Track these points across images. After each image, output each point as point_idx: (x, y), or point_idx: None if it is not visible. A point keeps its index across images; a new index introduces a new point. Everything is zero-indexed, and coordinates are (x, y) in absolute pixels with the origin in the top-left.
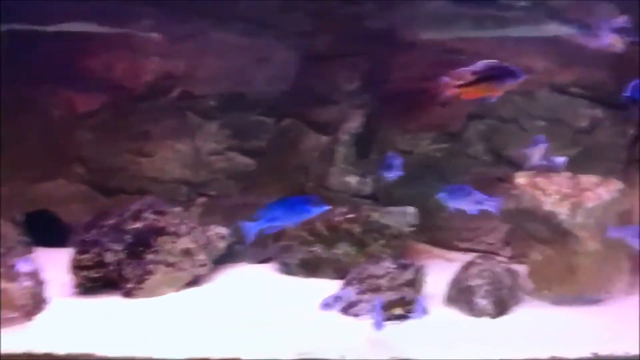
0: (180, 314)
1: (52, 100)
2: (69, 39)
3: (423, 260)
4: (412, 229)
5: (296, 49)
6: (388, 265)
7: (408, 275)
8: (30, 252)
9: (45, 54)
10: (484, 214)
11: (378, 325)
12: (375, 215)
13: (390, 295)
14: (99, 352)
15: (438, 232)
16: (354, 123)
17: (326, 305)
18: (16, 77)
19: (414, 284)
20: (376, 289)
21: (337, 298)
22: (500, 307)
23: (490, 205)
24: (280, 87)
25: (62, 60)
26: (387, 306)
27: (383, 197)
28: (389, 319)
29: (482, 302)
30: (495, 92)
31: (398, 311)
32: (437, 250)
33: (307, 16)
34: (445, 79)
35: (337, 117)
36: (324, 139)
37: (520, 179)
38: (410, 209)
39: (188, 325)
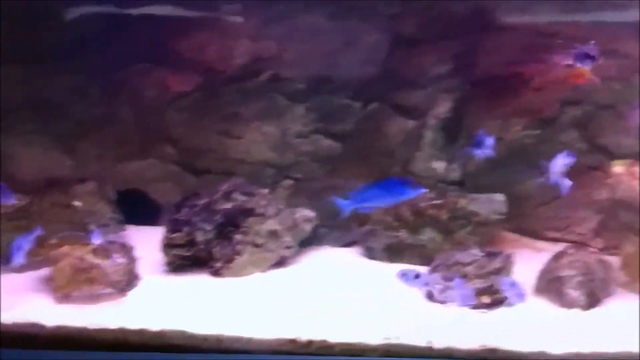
0: (266, 295)
1: (145, 81)
2: (162, 21)
3: (510, 249)
4: (500, 216)
5: (385, 32)
6: (475, 253)
7: (496, 263)
8: (122, 229)
9: (139, 36)
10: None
11: (464, 300)
12: (463, 202)
13: (478, 284)
14: (189, 329)
15: (526, 221)
16: (442, 108)
17: (403, 275)
18: (110, 59)
19: (502, 272)
20: (463, 277)
21: (417, 275)
22: (592, 299)
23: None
24: (368, 70)
25: (156, 42)
26: (475, 294)
27: (470, 183)
28: (476, 307)
29: (574, 293)
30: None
31: (486, 299)
32: (524, 240)
33: None
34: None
35: (424, 101)
36: (411, 123)
37: (617, 167)
38: (499, 196)
39: (275, 306)
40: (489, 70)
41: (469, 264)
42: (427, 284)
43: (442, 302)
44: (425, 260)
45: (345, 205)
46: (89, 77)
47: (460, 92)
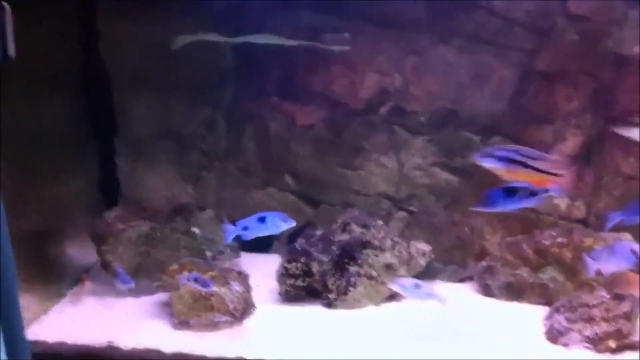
0: (379, 328)
1: (272, 114)
2: (292, 54)
3: (634, 291)
4: None
5: (516, 66)
6: (602, 294)
7: (625, 307)
8: (237, 256)
9: (268, 69)
10: None
11: None
12: (589, 241)
13: (605, 327)
14: None
15: None
16: (569, 143)
17: (401, 285)
18: (239, 91)
19: (631, 316)
20: (589, 319)
21: (416, 285)
22: None
23: None
24: (496, 105)
25: (284, 75)
26: (601, 338)
27: (596, 222)
28: (601, 351)
29: None
30: None
31: (612, 344)
32: None
33: (529, 33)
34: None
35: (551, 137)
36: None
37: None
38: (628, 236)
39: (387, 340)
40: (626, 108)
41: (595, 306)
42: (429, 295)
43: (564, 345)
44: (547, 300)
45: (230, 231)
46: (218, 109)
47: (592, 129)
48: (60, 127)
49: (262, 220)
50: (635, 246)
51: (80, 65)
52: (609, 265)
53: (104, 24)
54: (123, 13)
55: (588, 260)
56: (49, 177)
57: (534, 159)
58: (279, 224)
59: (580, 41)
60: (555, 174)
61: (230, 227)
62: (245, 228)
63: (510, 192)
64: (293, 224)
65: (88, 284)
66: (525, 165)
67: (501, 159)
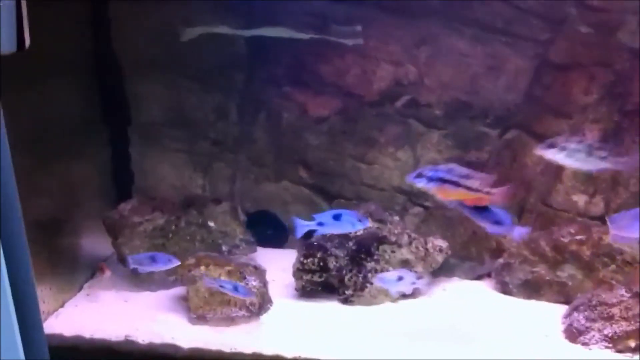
0: (396, 325)
1: (284, 104)
2: (305, 45)
3: None
4: None
5: (531, 57)
6: (622, 293)
7: None
8: (253, 251)
9: (281, 58)
10: None
11: None
12: (608, 238)
13: (624, 326)
14: (323, 356)
15: None
16: (587, 138)
17: (380, 279)
18: (252, 80)
19: None
20: (608, 318)
21: (399, 278)
22: None
23: None
24: (510, 97)
25: (297, 65)
26: (621, 337)
27: None
28: (621, 351)
29: None
30: None
31: (632, 343)
32: None
33: (544, 23)
34: None
35: (568, 131)
36: None
37: None
38: None
39: (404, 336)
40: None
41: (615, 304)
42: (414, 284)
43: (584, 345)
44: (565, 298)
45: (302, 226)
46: (229, 97)
47: (610, 123)
48: (72, 115)
49: (337, 217)
50: None
51: (92, 52)
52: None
53: (115, 11)
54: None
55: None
56: (62, 166)
57: (465, 177)
58: (355, 223)
59: (595, 32)
60: (487, 192)
61: (301, 222)
62: (320, 224)
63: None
64: (367, 224)
65: (108, 273)
66: (457, 185)
67: (432, 179)
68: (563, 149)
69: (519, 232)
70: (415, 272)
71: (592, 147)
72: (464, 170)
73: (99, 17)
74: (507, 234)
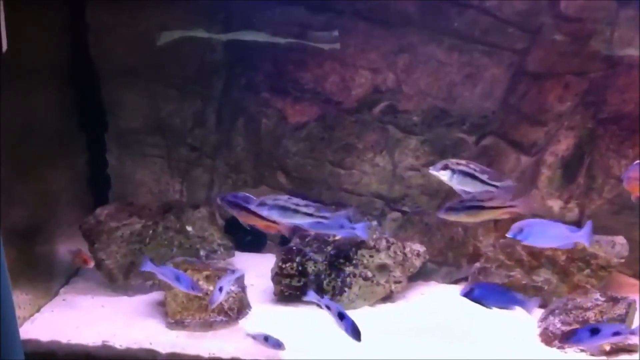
0: (374, 329)
1: (265, 110)
2: (284, 51)
3: (627, 294)
4: (621, 260)
5: (507, 66)
6: (597, 297)
7: (619, 309)
8: (232, 255)
9: (260, 65)
10: None
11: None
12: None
13: None
14: None
15: None
16: (562, 145)
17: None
18: (230, 86)
19: (625, 319)
20: (583, 322)
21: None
22: None
23: None
24: (487, 105)
25: (276, 71)
26: None
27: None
28: (595, 354)
29: None
30: None
31: (606, 346)
32: None
33: (520, 32)
34: None
35: (543, 138)
36: (527, 160)
37: None
38: (621, 239)
39: (382, 341)
40: (618, 109)
41: (589, 308)
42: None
43: (560, 348)
44: (541, 302)
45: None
46: (208, 103)
47: (583, 130)
48: (48, 122)
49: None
50: None
51: (69, 59)
52: None
53: (92, 17)
54: (112, 6)
55: None
56: (37, 172)
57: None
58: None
59: (570, 41)
60: (510, 205)
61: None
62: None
63: None
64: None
65: (92, 263)
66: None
67: (459, 210)
68: (453, 171)
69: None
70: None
71: (476, 170)
72: (486, 194)
73: (76, 24)
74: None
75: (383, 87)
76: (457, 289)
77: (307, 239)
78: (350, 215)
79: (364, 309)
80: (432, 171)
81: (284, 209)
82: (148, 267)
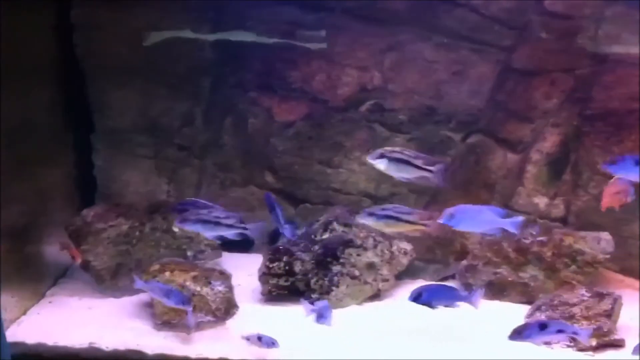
0: (363, 327)
1: (253, 109)
2: (272, 50)
3: (613, 290)
4: (607, 256)
5: (494, 63)
6: (583, 293)
7: (605, 305)
8: (218, 256)
9: (250, 61)
10: None
11: None
12: (569, 240)
13: (585, 325)
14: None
15: (631, 261)
16: (548, 142)
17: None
18: (219, 85)
19: (611, 315)
20: (569, 317)
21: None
22: None
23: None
24: (474, 102)
25: (264, 70)
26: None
27: (575, 221)
28: (582, 349)
29: None
30: None
31: (592, 342)
32: (629, 280)
33: (507, 29)
34: None
35: (530, 135)
36: (513, 157)
37: None
38: (606, 235)
39: (370, 339)
40: (604, 105)
41: (576, 304)
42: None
43: (547, 344)
44: (528, 298)
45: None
46: (195, 103)
47: (569, 127)
48: (35, 122)
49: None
50: None
51: (56, 58)
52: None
53: (78, 17)
54: (98, 6)
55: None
56: (24, 173)
57: (408, 214)
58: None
59: (557, 38)
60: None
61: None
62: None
63: None
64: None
65: (79, 259)
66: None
67: (380, 217)
68: (389, 159)
69: None
70: None
71: (411, 156)
72: (404, 208)
73: (63, 24)
74: None
75: (370, 86)
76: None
77: (294, 239)
78: (264, 226)
79: (351, 308)
80: (369, 160)
81: (206, 222)
82: (139, 284)
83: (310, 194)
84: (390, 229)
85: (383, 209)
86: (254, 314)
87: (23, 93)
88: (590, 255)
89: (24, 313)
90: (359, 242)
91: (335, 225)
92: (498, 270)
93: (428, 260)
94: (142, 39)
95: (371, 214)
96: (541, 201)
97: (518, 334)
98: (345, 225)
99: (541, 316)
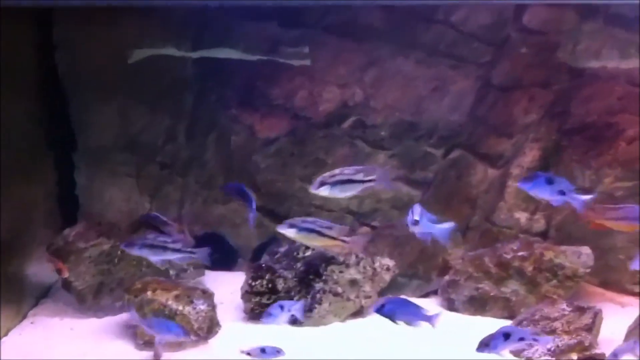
0: (346, 345)
1: (235, 126)
2: (254, 67)
3: (594, 303)
4: (587, 270)
5: (473, 79)
6: (564, 307)
7: (586, 319)
8: (202, 274)
9: (232, 81)
10: None
11: None
12: (550, 254)
13: (567, 340)
14: None
15: (611, 274)
16: (528, 157)
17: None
18: (204, 102)
19: (592, 328)
20: (551, 332)
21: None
22: None
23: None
24: (454, 118)
25: (246, 87)
26: (563, 351)
27: (555, 235)
28: None
29: None
30: None
31: (574, 356)
32: (609, 294)
33: (486, 46)
34: None
35: (510, 150)
36: (494, 172)
37: None
38: (587, 249)
39: (355, 355)
40: (581, 120)
41: (557, 318)
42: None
43: (528, 359)
44: (509, 313)
45: None
46: (178, 120)
47: (549, 141)
48: (16, 141)
49: None
50: None
51: (38, 76)
52: None
53: (60, 35)
54: (80, 24)
55: None
56: (5, 192)
57: (327, 228)
58: None
59: (535, 54)
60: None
61: None
62: None
63: None
64: None
65: (66, 273)
66: (321, 234)
67: (302, 229)
68: (330, 185)
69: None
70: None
71: (351, 174)
72: (326, 223)
73: (45, 42)
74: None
75: (351, 102)
76: (428, 302)
77: (276, 256)
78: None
79: (334, 325)
80: (313, 190)
81: (152, 247)
82: (135, 320)
83: (292, 211)
84: (310, 242)
85: (304, 221)
86: (236, 332)
87: (4, 111)
88: (571, 269)
89: (6, 334)
90: (341, 259)
91: None
92: (480, 285)
93: (410, 276)
94: (127, 56)
95: (292, 226)
96: (522, 216)
97: (485, 345)
98: None
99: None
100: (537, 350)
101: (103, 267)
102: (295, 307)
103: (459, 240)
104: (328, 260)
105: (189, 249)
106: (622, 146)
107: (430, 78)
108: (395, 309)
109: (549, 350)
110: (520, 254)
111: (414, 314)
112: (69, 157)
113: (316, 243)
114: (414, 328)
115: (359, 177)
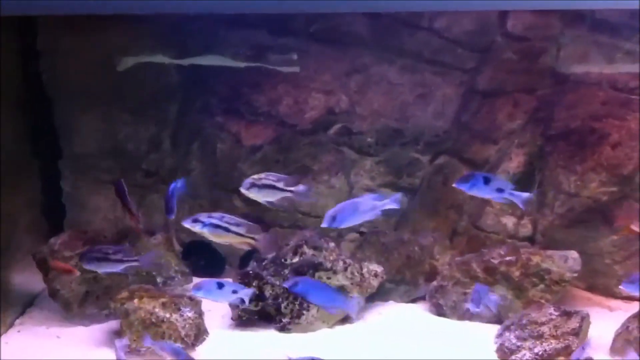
0: (333, 351)
1: (220, 134)
2: (239, 74)
3: (581, 308)
4: (574, 274)
5: (458, 85)
6: (551, 312)
7: (573, 323)
8: (190, 281)
9: (217, 88)
10: None
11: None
12: (536, 259)
13: (554, 344)
14: None
15: (598, 279)
16: (514, 162)
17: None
18: (189, 110)
19: (579, 333)
20: (538, 337)
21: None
22: None
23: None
24: (439, 124)
25: (230, 94)
26: (550, 355)
27: (540, 239)
28: None
29: None
30: None
31: None
32: (597, 298)
33: (470, 52)
34: None
35: (495, 155)
36: None
37: None
38: (574, 254)
39: None
40: (566, 125)
41: (544, 323)
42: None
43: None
44: (497, 318)
45: None
46: (162, 128)
47: (533, 147)
48: (0, 147)
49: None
50: None
51: (23, 84)
52: None
53: (44, 43)
54: (64, 31)
55: None
56: None
57: (235, 225)
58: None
59: (519, 60)
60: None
61: None
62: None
63: None
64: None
65: (77, 272)
66: (227, 230)
67: (206, 225)
68: (258, 187)
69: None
70: None
71: (274, 180)
72: (235, 219)
73: (29, 50)
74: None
75: (337, 109)
76: (415, 308)
77: (264, 263)
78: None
79: (322, 331)
80: (242, 190)
81: (97, 259)
82: (148, 342)
83: (279, 218)
84: (217, 239)
85: (209, 217)
86: (224, 339)
87: None
88: (558, 274)
89: None
90: (329, 265)
91: (305, 248)
92: (467, 290)
93: (398, 281)
94: (115, 64)
95: (196, 221)
96: (509, 221)
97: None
98: (315, 248)
99: (510, 336)
100: (524, 355)
101: (89, 276)
102: (245, 292)
103: (447, 246)
104: (316, 266)
105: (132, 258)
106: (606, 151)
107: (416, 84)
108: (307, 290)
109: (536, 354)
110: (507, 259)
111: (329, 298)
112: (55, 165)
113: (222, 239)
114: (404, 333)
115: (280, 185)
